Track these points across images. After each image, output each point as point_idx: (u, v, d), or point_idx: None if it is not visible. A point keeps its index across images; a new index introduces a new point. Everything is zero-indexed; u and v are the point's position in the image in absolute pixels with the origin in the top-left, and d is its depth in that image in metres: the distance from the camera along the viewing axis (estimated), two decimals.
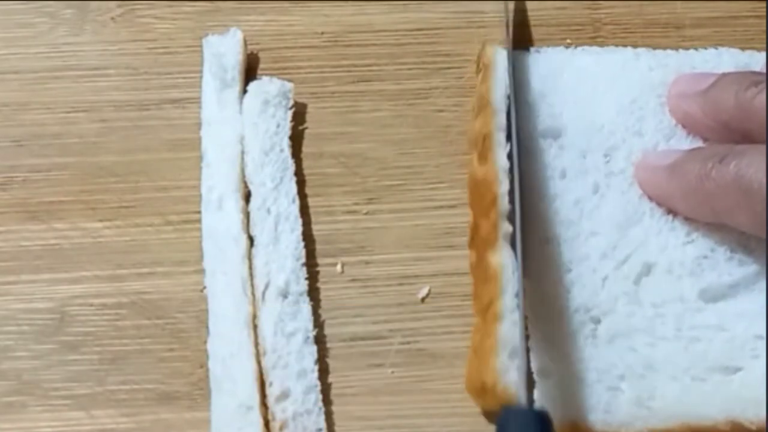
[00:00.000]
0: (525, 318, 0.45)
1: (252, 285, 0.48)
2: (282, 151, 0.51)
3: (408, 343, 0.47)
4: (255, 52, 0.55)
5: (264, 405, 0.45)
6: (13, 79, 0.55)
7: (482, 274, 0.46)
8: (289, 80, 0.53)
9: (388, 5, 0.57)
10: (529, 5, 0.56)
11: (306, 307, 0.47)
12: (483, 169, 0.48)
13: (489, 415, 0.46)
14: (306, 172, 0.52)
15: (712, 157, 0.45)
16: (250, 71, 0.54)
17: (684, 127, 0.50)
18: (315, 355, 0.46)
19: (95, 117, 0.53)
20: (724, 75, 0.49)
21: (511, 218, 0.46)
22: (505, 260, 0.46)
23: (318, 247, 0.50)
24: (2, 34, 0.56)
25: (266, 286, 0.47)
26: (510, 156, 0.48)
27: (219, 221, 0.49)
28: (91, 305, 0.48)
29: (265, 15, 0.57)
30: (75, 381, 0.46)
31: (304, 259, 0.48)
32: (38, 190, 0.51)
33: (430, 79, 0.54)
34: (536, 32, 0.56)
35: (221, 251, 0.48)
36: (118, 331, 0.47)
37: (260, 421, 0.44)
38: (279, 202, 0.50)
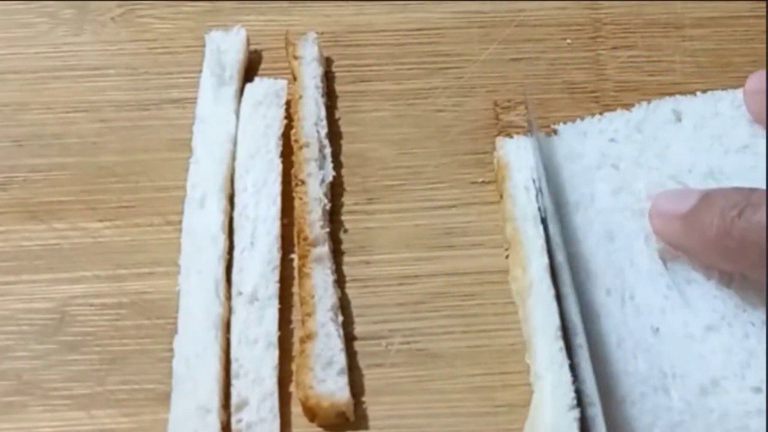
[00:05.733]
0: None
1: (227, 288, 0.47)
2: (269, 152, 0.50)
3: (408, 343, 0.47)
4: (258, 51, 0.55)
5: (226, 411, 0.44)
6: (13, 79, 0.55)
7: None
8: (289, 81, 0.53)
9: (388, 5, 0.57)
10: (529, 5, 0.56)
11: (272, 311, 0.47)
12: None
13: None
14: None
15: (730, 209, 0.43)
16: (251, 71, 0.54)
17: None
18: (275, 361, 0.45)
19: (95, 117, 0.53)
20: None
21: (321, 242, 0.48)
22: (316, 281, 0.47)
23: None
24: (2, 34, 0.56)
25: (238, 293, 0.47)
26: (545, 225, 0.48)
27: (199, 219, 0.49)
28: (91, 305, 0.48)
29: (265, 15, 0.57)
30: (75, 381, 0.46)
31: (277, 262, 0.48)
32: (38, 190, 0.51)
33: (430, 79, 0.54)
34: (536, 32, 0.56)
35: (198, 250, 0.48)
36: (118, 331, 0.47)
37: (218, 426, 0.43)
38: (259, 206, 0.49)
